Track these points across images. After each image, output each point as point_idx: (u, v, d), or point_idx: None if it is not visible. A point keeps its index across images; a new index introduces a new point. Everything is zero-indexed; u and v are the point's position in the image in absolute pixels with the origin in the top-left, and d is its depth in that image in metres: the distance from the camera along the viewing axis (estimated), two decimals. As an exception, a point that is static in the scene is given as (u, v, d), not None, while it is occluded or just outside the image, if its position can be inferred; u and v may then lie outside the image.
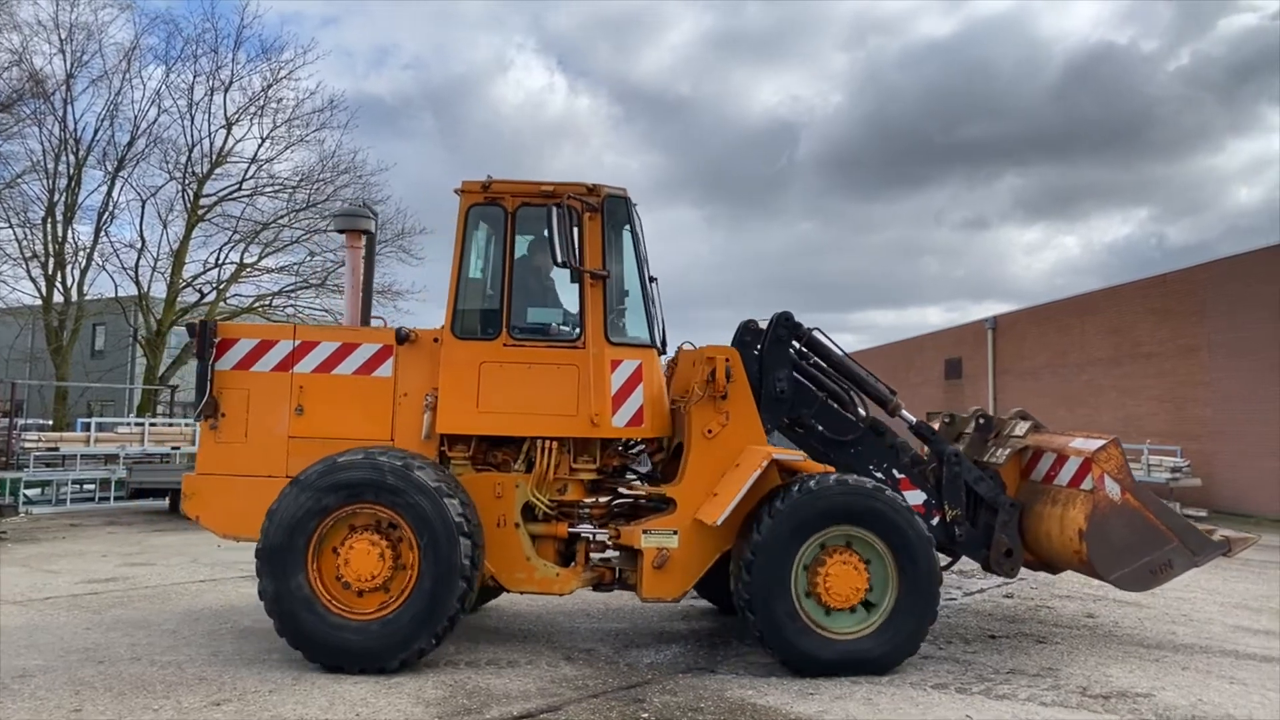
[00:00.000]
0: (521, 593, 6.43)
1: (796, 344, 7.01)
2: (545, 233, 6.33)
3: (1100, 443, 6.61)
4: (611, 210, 6.56)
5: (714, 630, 7.12)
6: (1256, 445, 18.05)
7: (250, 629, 6.80)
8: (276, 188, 24.34)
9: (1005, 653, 6.49)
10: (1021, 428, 7.22)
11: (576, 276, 6.33)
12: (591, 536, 6.35)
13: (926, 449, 7.12)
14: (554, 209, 6.09)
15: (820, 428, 6.87)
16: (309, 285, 24.83)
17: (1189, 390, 19.59)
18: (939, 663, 6.19)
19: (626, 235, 6.70)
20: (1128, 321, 21.86)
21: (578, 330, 6.35)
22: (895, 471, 6.85)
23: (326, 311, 24.70)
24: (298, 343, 6.50)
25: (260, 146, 23.99)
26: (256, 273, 24.91)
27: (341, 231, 7.33)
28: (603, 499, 6.51)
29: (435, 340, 6.41)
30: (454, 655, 6.16)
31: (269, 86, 23.79)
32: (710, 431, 6.39)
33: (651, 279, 6.86)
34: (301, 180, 24.32)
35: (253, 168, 23.94)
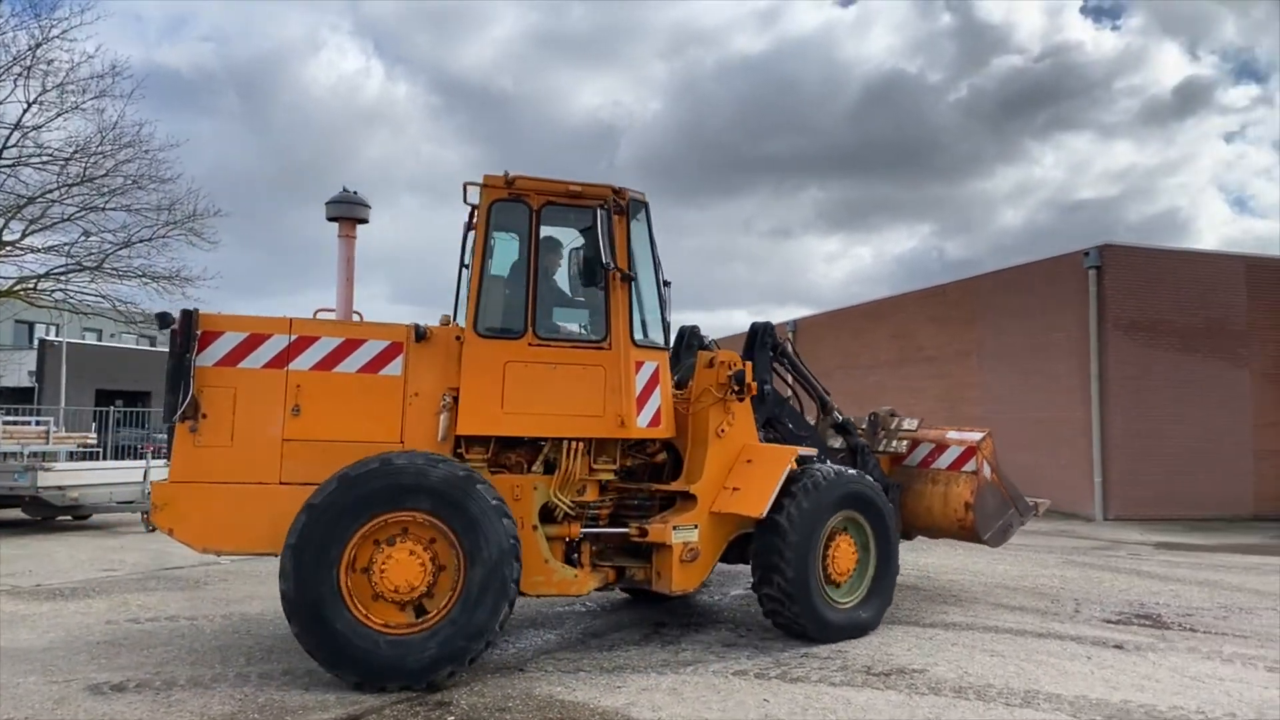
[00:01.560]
0: (539, 596, 6.28)
1: (772, 352, 8.03)
2: (577, 233, 6.55)
3: (980, 435, 8.30)
4: (635, 213, 6.62)
5: (521, 629, 7.09)
6: (1016, 441, 20.11)
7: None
8: (45, 159, 21.85)
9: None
10: (911, 423, 8.76)
11: (604, 278, 6.28)
12: (593, 536, 6.49)
13: (841, 441, 8.30)
14: (599, 211, 6.20)
15: (789, 425, 7.81)
16: (83, 268, 22.48)
17: (962, 390, 21.56)
18: (740, 650, 6.47)
19: (645, 238, 6.77)
20: (911, 327, 23.77)
21: (604, 331, 6.34)
22: (829, 462, 7.46)
23: (103, 298, 22.48)
24: (294, 337, 5.89)
25: (25, 112, 21.46)
26: (19, 251, 22.26)
27: (333, 219, 6.92)
28: (608, 498, 6.62)
29: (457, 339, 6.12)
30: (245, 667, 5.79)
31: (38, 46, 21.29)
32: (722, 431, 6.83)
33: (666, 283, 6.96)
34: (76, 152, 21.91)
35: (16, 135, 21.38)
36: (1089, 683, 5.74)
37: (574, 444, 6.28)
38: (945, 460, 8.38)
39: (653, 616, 7.60)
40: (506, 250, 6.62)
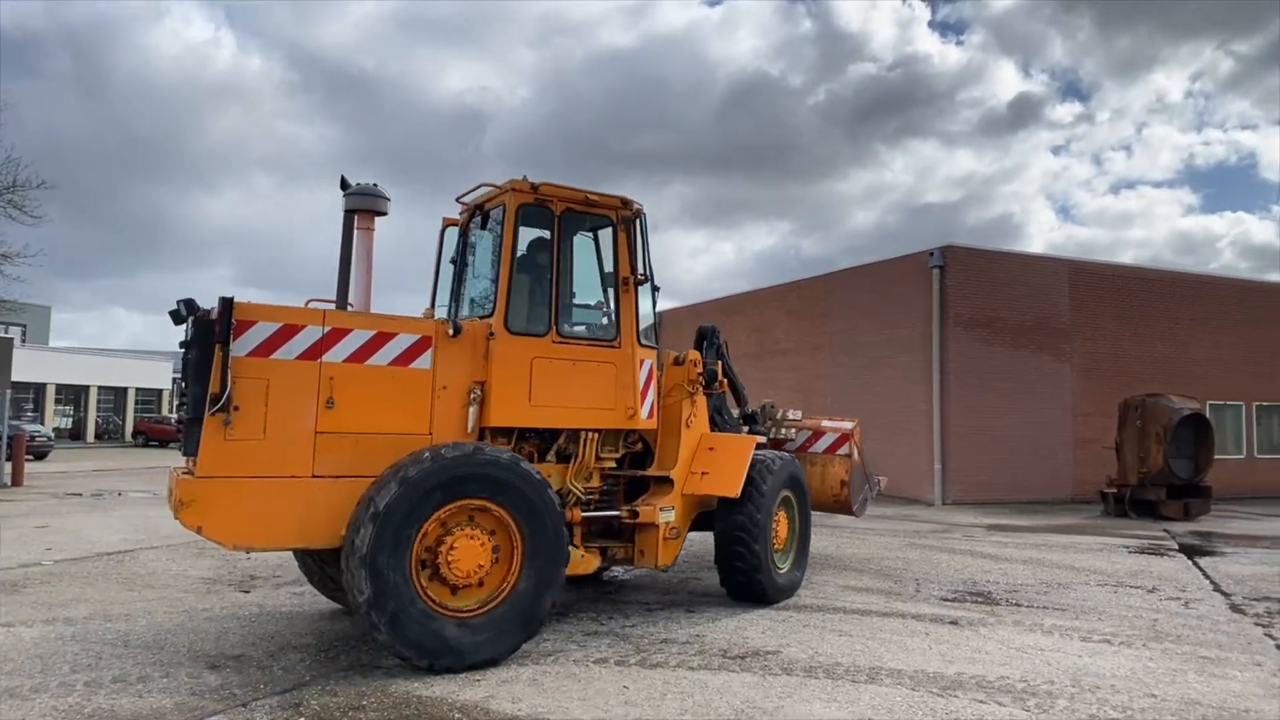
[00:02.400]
0: None
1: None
2: (590, 239, 7.27)
3: (851, 424, 10.13)
4: (639, 222, 7.12)
5: (380, 624, 6.87)
6: (864, 430, 21.08)
7: None
8: None
9: (660, 624, 6.99)
10: (795, 413, 10.11)
11: (612, 281, 7.04)
12: (590, 517, 7.03)
13: (747, 429, 9.24)
14: (636, 220, 7.02)
15: (723, 416, 8.72)
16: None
17: (815, 382, 22.45)
18: (600, 638, 6.51)
19: (641, 245, 7.16)
20: (768, 321, 24.53)
21: (615, 331, 6.95)
22: None
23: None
24: (327, 329, 5.82)
25: None
26: None
27: (352, 211, 6.92)
28: (605, 485, 7.18)
29: (490, 335, 6.34)
30: (69, 675, 5.36)
31: None
32: (689, 422, 7.70)
33: (656, 287, 7.36)
34: None
35: None
36: (927, 657, 6.10)
37: (589, 435, 6.88)
38: (822, 445, 10.01)
39: (514, 608, 7.54)
40: (531, 252, 7.01)
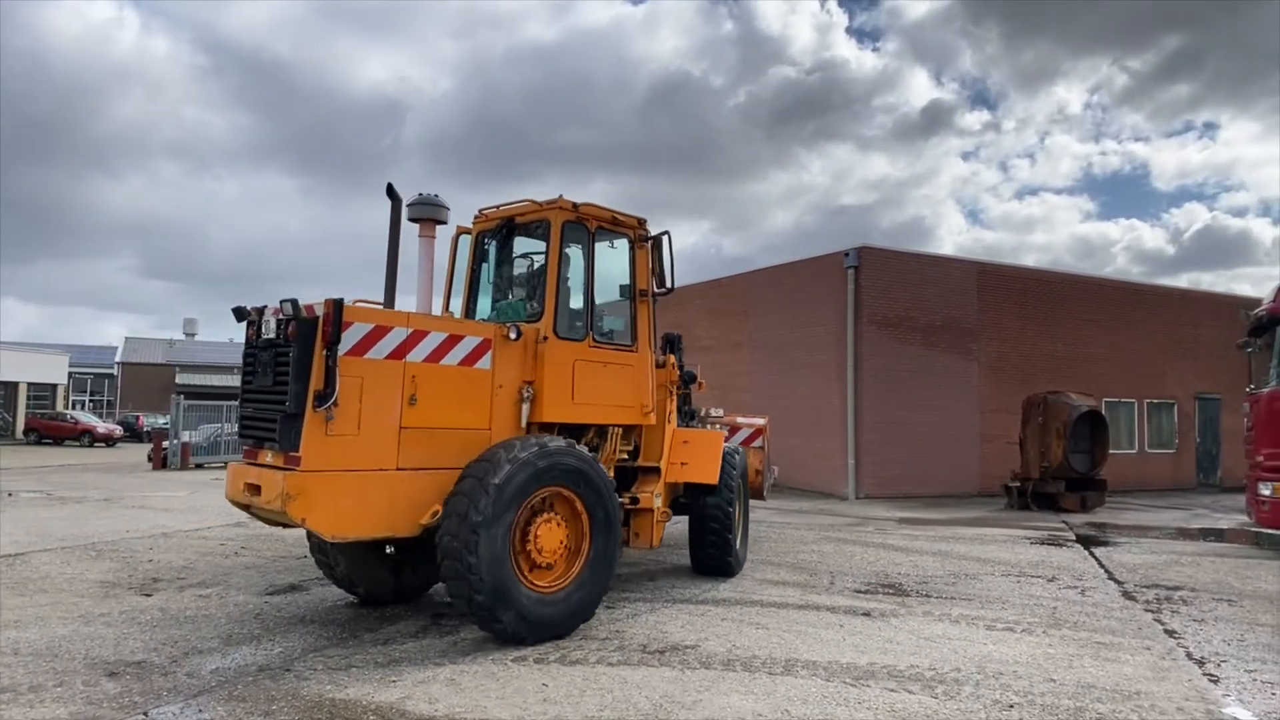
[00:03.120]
0: None
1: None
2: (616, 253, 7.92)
3: (763, 420, 12.41)
4: (659, 239, 7.96)
5: (289, 626, 6.69)
6: (782, 426, 21.45)
7: None
8: None
9: (579, 621, 6.97)
10: (718, 410, 11.38)
11: (629, 292, 7.89)
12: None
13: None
14: (665, 239, 7.84)
15: (685, 412, 10.05)
16: None
17: (735, 379, 22.71)
18: (520, 636, 6.46)
19: (668, 261, 7.99)
20: (690, 318, 24.69)
21: (632, 337, 7.83)
22: None
23: None
24: (410, 330, 6.28)
25: None
26: None
27: (414, 220, 7.64)
28: (612, 476, 7.41)
29: (543, 339, 7.01)
30: (-49, 688, 5.05)
31: None
32: (670, 418, 8.80)
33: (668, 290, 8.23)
34: None
35: None
36: (841, 649, 6.24)
37: (614, 430, 7.74)
38: (738, 438, 11.80)
39: (429, 608, 7.43)
40: (573, 264, 7.68)
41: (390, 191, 7.11)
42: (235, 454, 28.68)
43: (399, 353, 6.15)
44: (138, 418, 49.74)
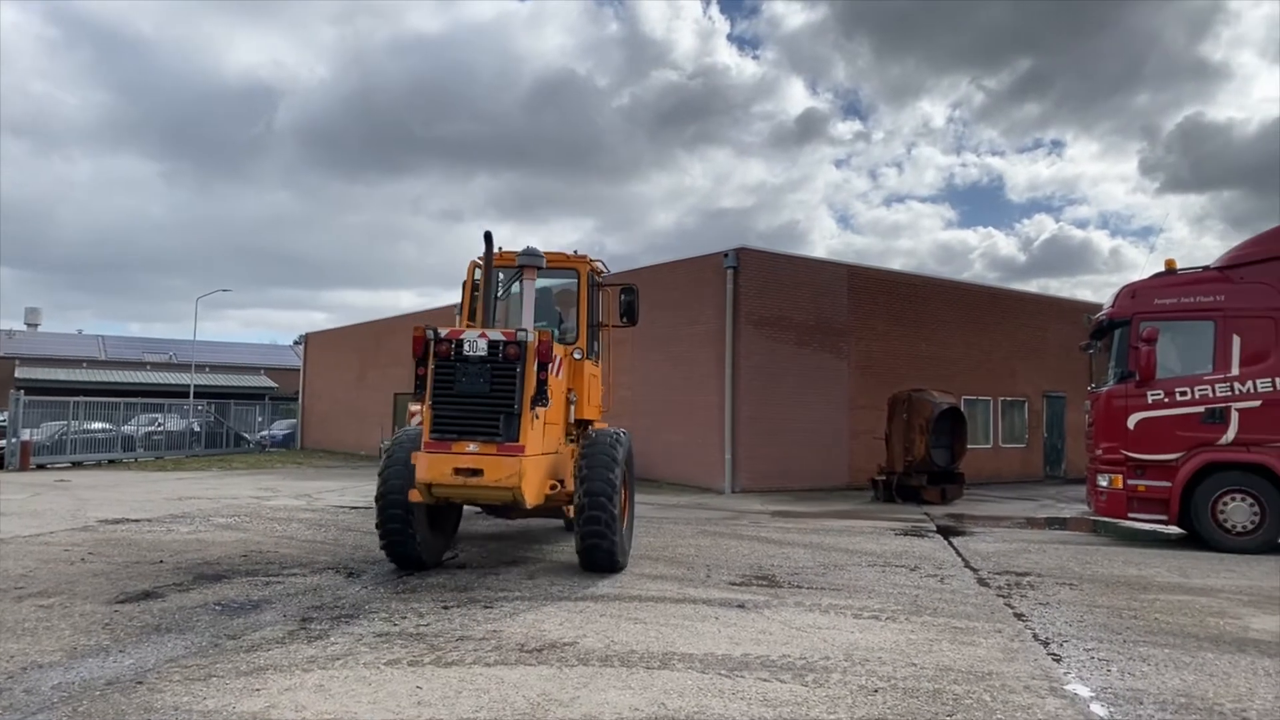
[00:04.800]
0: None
1: None
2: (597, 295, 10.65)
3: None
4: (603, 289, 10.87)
5: (142, 635, 6.30)
6: (664, 422, 21.70)
7: None
8: None
9: (456, 621, 6.86)
10: None
11: (592, 320, 10.37)
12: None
13: None
14: (635, 289, 10.56)
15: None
16: None
17: (617, 375, 22.73)
18: (394, 639, 6.29)
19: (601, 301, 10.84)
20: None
21: (594, 353, 10.36)
22: None
23: None
24: (563, 354, 9.27)
25: None
26: None
27: (517, 267, 9.24)
28: None
29: (580, 357, 9.84)
30: None
31: None
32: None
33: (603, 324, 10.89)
34: None
35: None
36: (716, 640, 6.37)
37: (593, 424, 10.07)
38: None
39: (297, 612, 7.14)
40: (578, 303, 10.27)
41: (487, 237, 8.81)
42: (86, 453, 26.85)
43: (558, 368, 8.83)
44: (-31, 414, 45.74)
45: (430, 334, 8.02)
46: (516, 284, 10.00)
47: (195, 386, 45.75)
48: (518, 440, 7.78)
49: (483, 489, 7.81)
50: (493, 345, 7.95)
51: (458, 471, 7.73)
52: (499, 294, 10.13)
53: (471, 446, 7.80)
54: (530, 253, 8.91)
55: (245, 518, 13.44)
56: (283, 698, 4.97)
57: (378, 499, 8.57)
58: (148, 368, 58.56)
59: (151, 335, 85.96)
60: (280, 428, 41.42)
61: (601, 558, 8.65)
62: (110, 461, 27.81)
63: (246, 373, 61.21)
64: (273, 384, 58.16)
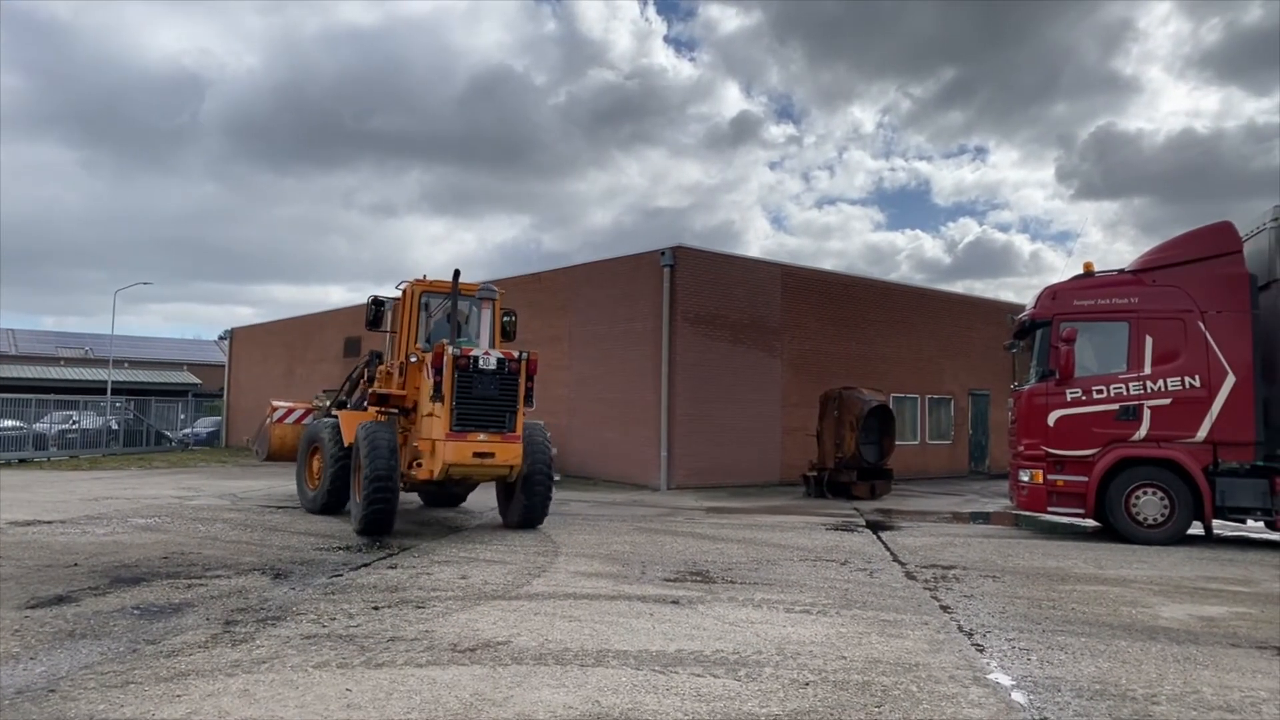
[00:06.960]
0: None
1: None
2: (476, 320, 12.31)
3: (304, 407, 16.37)
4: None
5: (54, 643, 6.04)
6: (600, 418, 21.69)
7: None
8: None
9: (388, 622, 6.74)
10: (285, 403, 15.99)
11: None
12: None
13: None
14: (515, 315, 13.88)
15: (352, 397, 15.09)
16: None
17: (554, 373, 22.70)
18: (322, 641, 6.16)
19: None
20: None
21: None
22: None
23: None
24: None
25: None
26: None
27: (483, 299, 11.65)
28: None
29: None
30: None
31: None
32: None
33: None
34: None
35: None
36: (650, 637, 6.39)
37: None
38: (292, 417, 15.93)
39: (221, 615, 6.94)
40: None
41: (455, 274, 11.81)
42: (6, 450, 25.67)
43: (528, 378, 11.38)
44: None
45: (453, 350, 10.85)
46: (447, 307, 12.36)
47: (113, 382, 44.08)
48: (515, 431, 11.10)
49: (492, 467, 10.99)
50: (500, 361, 10.98)
51: (476, 455, 10.77)
52: (433, 316, 12.81)
53: (482, 436, 10.81)
54: (487, 288, 11.73)
55: (166, 518, 13.00)
56: (205, 703, 4.82)
57: (369, 480, 10.64)
58: (62, 363, 56.26)
59: (66, 329, 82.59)
60: (204, 425, 40.18)
61: (544, 505, 12.22)
62: (21, 461, 26.62)
63: (168, 369, 59.26)
64: (196, 380, 56.39)
